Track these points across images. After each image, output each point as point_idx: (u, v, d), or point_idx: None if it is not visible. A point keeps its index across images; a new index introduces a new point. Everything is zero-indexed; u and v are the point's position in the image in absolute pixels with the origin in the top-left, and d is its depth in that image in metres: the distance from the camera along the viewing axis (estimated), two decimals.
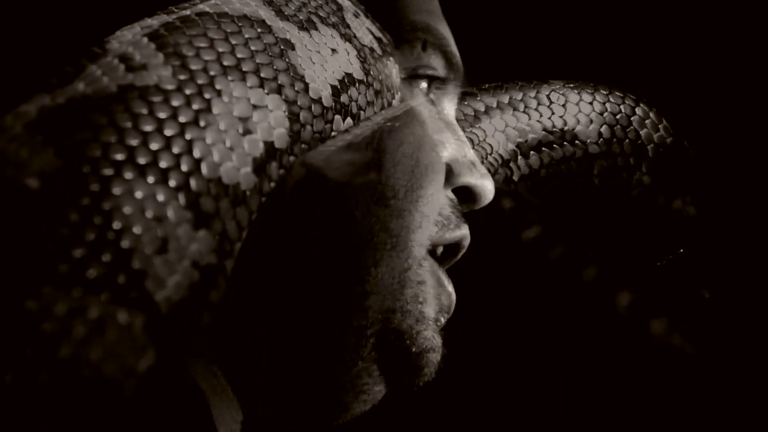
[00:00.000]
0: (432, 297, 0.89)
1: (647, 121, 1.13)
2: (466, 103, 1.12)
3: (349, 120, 0.97)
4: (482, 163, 1.05)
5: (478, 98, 1.11)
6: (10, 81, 0.84)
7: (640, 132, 1.12)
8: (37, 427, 0.70)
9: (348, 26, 1.04)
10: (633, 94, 1.18)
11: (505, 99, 1.12)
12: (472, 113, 1.09)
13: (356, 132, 0.93)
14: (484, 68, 1.41)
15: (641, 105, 1.15)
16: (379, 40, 1.10)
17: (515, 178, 1.10)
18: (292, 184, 0.85)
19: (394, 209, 0.88)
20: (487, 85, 1.17)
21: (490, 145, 1.08)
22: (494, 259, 1.14)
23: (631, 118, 1.13)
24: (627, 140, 1.12)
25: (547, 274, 0.98)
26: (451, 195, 0.98)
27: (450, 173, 0.97)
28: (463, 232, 0.96)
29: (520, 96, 1.13)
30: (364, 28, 1.08)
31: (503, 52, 1.44)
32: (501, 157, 1.09)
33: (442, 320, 0.94)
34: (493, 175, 1.06)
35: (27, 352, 0.66)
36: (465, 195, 0.99)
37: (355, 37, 1.03)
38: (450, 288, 0.95)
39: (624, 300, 0.93)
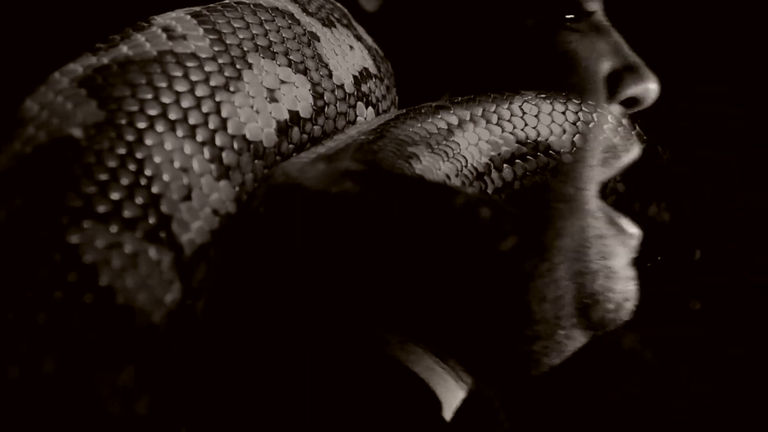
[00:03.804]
0: (618, 247, 0.99)
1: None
2: (439, 116, 1.21)
3: (371, 109, 1.17)
4: (457, 176, 1.17)
5: (451, 111, 1.23)
6: (55, 50, 1.03)
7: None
8: (83, 338, 0.78)
9: (356, 29, 1.25)
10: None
11: (478, 112, 1.25)
12: (446, 127, 1.20)
13: (329, 145, 1.04)
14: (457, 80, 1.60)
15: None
16: (375, 43, 1.28)
17: (489, 191, 1.23)
18: (269, 191, 0.96)
19: None
20: (459, 98, 1.27)
21: (465, 157, 1.19)
22: (470, 269, 1.28)
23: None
24: None
25: (522, 285, 0.97)
26: None
27: None
28: None
29: (492, 108, 1.26)
30: (365, 33, 1.28)
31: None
32: (475, 170, 1.21)
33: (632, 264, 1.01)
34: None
35: (72, 278, 0.78)
36: None
37: (363, 38, 1.24)
38: (632, 230, 1.03)
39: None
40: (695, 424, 1.09)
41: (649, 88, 1.33)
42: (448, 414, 0.98)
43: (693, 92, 1.54)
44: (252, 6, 1.07)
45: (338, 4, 1.27)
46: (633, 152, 1.26)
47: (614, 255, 0.99)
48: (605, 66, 1.35)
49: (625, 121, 1.29)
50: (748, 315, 1.26)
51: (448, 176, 1.15)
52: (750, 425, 1.14)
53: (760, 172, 1.47)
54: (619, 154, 1.24)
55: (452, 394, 1.02)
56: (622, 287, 0.99)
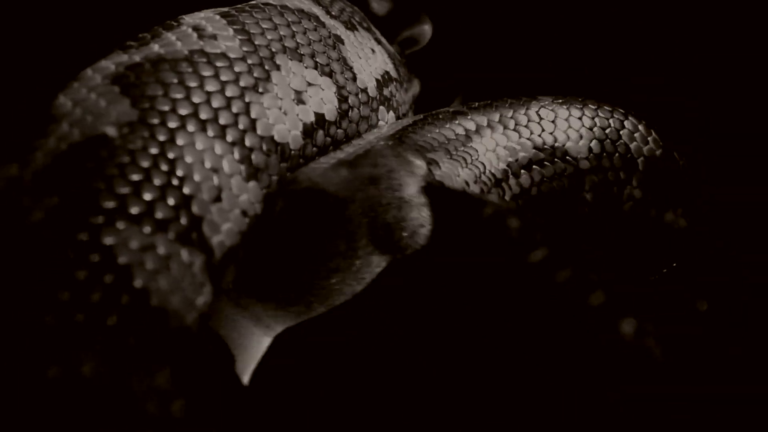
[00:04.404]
0: (407, 178, 1.03)
1: (636, 134, 1.29)
2: (457, 122, 1.22)
3: (392, 113, 1.18)
4: (476, 182, 1.17)
5: (469, 117, 1.23)
6: (82, 48, 1.03)
7: (630, 145, 1.28)
8: (121, 340, 0.78)
9: (375, 32, 1.25)
10: (621, 107, 1.31)
11: (495, 117, 1.25)
12: (464, 133, 1.20)
13: (348, 150, 1.05)
14: (474, 85, 1.61)
15: (630, 118, 1.30)
16: (392, 48, 1.28)
17: (507, 198, 1.22)
18: (292, 196, 0.98)
19: None
20: (477, 104, 1.28)
21: (483, 164, 1.20)
22: (499, 281, 1.13)
23: (621, 132, 1.28)
24: (617, 154, 1.27)
25: (554, 297, 0.99)
26: None
27: None
28: None
29: (509, 114, 1.26)
30: (383, 37, 1.28)
31: (492, 69, 1.66)
32: (493, 176, 1.21)
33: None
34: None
35: (108, 279, 0.78)
36: None
37: (382, 42, 1.24)
38: (418, 161, 1.07)
39: (628, 327, 1.06)
40: (696, 424, 1.09)
41: (424, 29, 1.40)
42: (244, 376, 0.98)
43: (708, 97, 1.54)
44: (279, 7, 1.07)
45: (356, 8, 1.27)
46: (415, 87, 1.33)
47: (404, 186, 1.03)
48: (384, 6, 1.39)
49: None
50: (748, 315, 1.26)
51: (467, 183, 1.16)
52: (750, 425, 1.14)
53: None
54: (407, 87, 1.31)
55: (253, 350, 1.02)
56: (416, 214, 1.03)
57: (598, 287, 0.95)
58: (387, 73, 1.19)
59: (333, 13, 1.16)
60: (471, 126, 1.21)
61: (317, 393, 0.97)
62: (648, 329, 0.99)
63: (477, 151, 1.19)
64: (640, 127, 1.30)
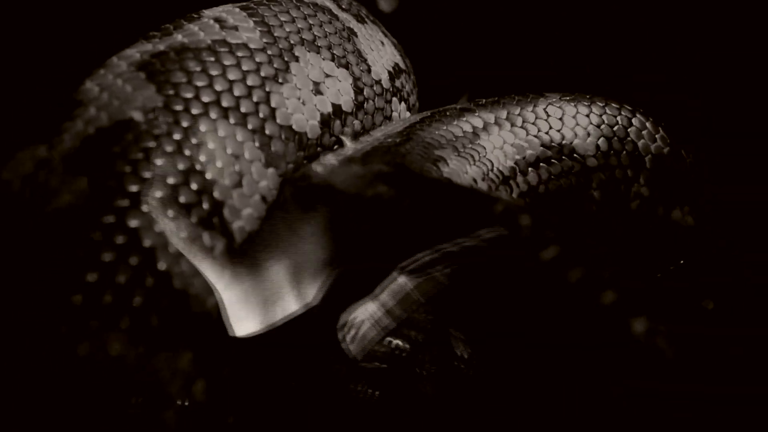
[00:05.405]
0: None
1: (644, 132, 1.30)
2: (464, 119, 1.22)
3: (404, 104, 1.20)
4: (483, 180, 1.17)
5: (476, 114, 1.24)
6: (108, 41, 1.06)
7: (638, 143, 1.29)
8: (145, 321, 0.84)
9: (381, 25, 1.27)
10: (629, 104, 1.32)
11: (503, 114, 1.26)
12: (471, 130, 1.22)
13: (356, 147, 1.05)
14: (480, 81, 1.61)
15: (637, 116, 1.30)
16: (395, 40, 1.29)
17: (514, 196, 1.22)
18: (302, 191, 0.98)
19: None
20: (484, 100, 1.29)
21: (490, 161, 1.20)
22: (510, 280, 1.28)
23: (628, 130, 1.29)
24: (624, 152, 1.28)
25: (565, 296, 1.01)
26: None
27: None
28: None
29: (517, 111, 1.27)
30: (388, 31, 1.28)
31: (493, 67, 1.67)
32: (501, 173, 1.21)
33: None
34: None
35: (133, 261, 0.80)
36: None
37: (388, 34, 1.26)
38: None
39: (640, 326, 1.07)
40: (696, 423, 1.09)
41: None
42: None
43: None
44: (294, 0, 1.10)
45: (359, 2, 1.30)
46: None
47: None
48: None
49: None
50: (749, 314, 1.27)
51: (474, 180, 1.16)
52: (751, 425, 1.14)
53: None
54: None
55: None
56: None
57: (610, 286, 0.93)
58: (397, 64, 1.21)
59: (343, 6, 1.18)
60: (478, 123, 1.21)
61: (332, 382, 0.98)
62: (659, 329, 0.98)
63: (485, 148, 1.19)
64: (648, 125, 1.31)
